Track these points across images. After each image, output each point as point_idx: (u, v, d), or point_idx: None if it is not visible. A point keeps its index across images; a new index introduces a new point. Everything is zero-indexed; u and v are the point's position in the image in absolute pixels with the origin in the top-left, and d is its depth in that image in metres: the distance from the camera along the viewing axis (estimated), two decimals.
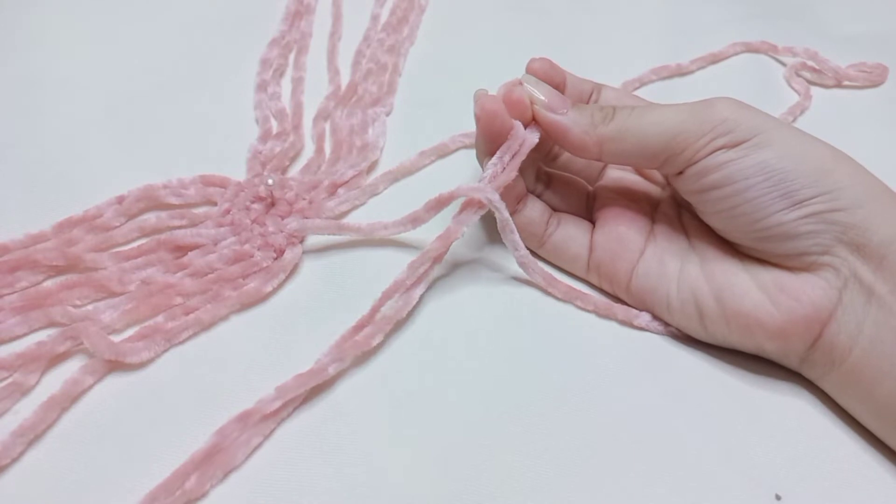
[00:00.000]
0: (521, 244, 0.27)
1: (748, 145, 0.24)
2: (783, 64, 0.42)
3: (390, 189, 0.33)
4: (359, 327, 0.26)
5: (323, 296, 0.28)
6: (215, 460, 0.22)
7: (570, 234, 0.29)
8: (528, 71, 0.29)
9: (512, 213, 0.28)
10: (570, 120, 0.27)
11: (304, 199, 0.31)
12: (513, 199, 0.28)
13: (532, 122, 0.27)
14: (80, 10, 0.40)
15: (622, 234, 0.28)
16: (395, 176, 0.33)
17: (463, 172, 0.34)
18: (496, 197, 0.26)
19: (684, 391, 0.26)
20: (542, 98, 0.27)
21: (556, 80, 0.29)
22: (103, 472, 0.22)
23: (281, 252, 0.29)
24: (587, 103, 0.30)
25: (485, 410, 0.25)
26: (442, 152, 0.34)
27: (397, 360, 0.26)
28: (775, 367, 0.26)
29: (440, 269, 0.29)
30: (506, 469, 0.23)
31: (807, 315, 0.24)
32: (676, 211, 0.29)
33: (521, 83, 0.28)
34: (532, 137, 0.27)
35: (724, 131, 0.24)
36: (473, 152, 0.31)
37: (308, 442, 0.24)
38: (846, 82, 0.41)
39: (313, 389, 0.25)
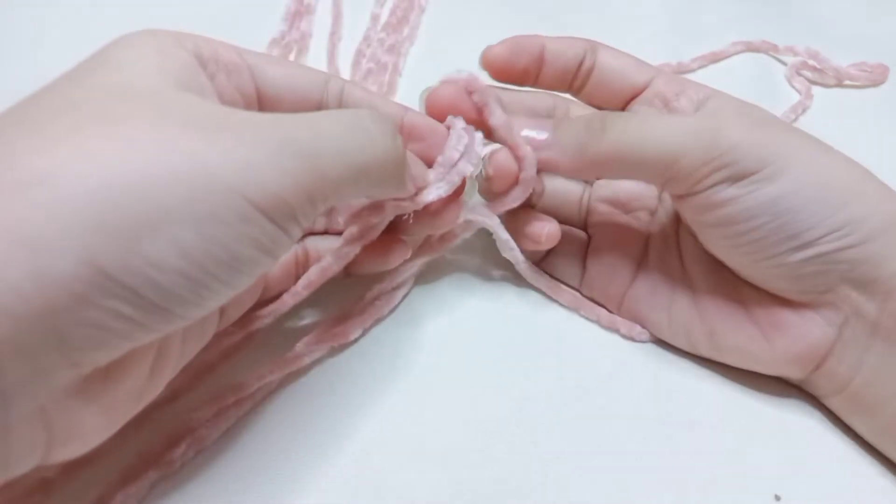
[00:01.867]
0: (521, 257, 0.27)
1: (755, 179, 0.22)
2: (784, 63, 0.42)
3: None
4: (340, 319, 0.26)
5: (323, 295, 0.28)
6: (187, 439, 0.23)
7: (565, 251, 0.28)
8: (485, 64, 0.26)
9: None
10: (557, 151, 0.24)
11: None
12: None
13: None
14: (82, 10, 0.40)
15: (614, 260, 0.28)
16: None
17: None
18: (497, 224, 0.26)
19: (684, 392, 0.26)
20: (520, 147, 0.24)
21: (522, 66, 0.26)
22: (104, 471, 0.22)
23: None
24: (578, 72, 0.26)
25: (485, 412, 0.25)
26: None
27: (398, 362, 0.26)
28: None
29: (441, 273, 0.29)
30: (506, 470, 0.23)
31: (801, 353, 0.24)
32: (675, 225, 0.27)
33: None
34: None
35: (729, 161, 0.22)
36: None
37: (309, 442, 0.24)
38: (847, 81, 0.41)
39: (315, 391, 0.25)
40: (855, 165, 0.23)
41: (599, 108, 0.27)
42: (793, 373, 0.25)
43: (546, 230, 0.26)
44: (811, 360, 0.24)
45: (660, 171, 0.23)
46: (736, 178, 0.22)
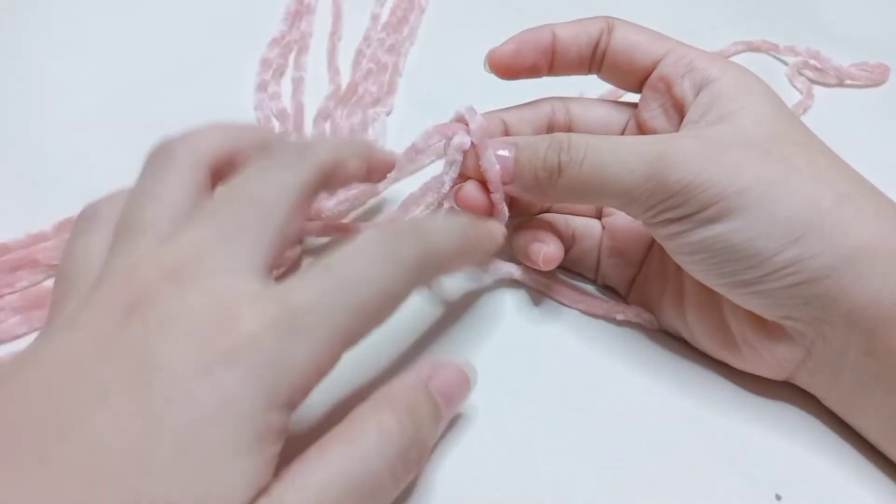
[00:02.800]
0: (515, 271, 0.28)
1: (696, 218, 0.21)
2: (785, 63, 0.42)
3: (390, 189, 0.33)
4: None
5: None
6: None
7: (582, 245, 0.29)
8: (491, 66, 0.26)
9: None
10: (517, 189, 0.24)
11: None
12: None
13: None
14: (81, 9, 0.40)
15: (623, 249, 0.28)
16: (395, 176, 0.33)
17: None
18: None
19: (684, 391, 0.26)
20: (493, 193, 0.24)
21: (530, 62, 0.26)
22: None
23: None
24: (594, 54, 0.26)
25: (484, 411, 0.25)
26: (441, 152, 0.34)
27: (396, 361, 0.26)
28: None
29: None
30: (504, 470, 0.23)
31: (770, 368, 0.24)
32: None
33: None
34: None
35: (675, 204, 0.21)
36: None
37: (307, 439, 0.23)
38: (848, 81, 0.41)
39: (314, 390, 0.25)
40: (825, 189, 0.21)
41: (618, 86, 0.27)
42: (766, 377, 0.25)
43: (543, 252, 0.26)
44: (781, 373, 0.24)
45: (614, 206, 0.24)
46: (679, 218, 0.22)
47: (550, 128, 0.28)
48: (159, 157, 0.20)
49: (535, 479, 0.23)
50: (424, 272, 0.20)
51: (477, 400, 0.25)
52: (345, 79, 0.38)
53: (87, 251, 0.19)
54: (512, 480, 0.23)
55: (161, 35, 0.39)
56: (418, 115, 0.36)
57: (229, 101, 0.36)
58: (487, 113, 0.27)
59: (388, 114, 0.36)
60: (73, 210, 0.30)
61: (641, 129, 0.27)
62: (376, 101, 0.36)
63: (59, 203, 0.30)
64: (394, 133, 0.35)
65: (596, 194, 0.23)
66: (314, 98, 0.36)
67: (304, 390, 0.17)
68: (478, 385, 0.25)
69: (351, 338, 0.18)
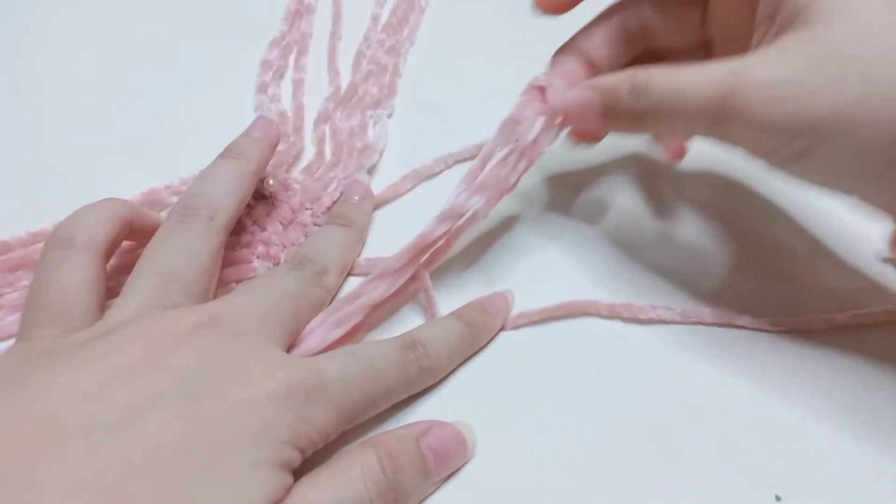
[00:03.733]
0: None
1: (782, 155, 0.21)
2: None
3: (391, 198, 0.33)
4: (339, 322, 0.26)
5: None
6: None
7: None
8: (539, 5, 0.27)
9: None
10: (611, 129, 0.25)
11: (307, 208, 0.31)
12: None
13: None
14: (81, 10, 0.40)
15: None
16: (385, 200, 0.32)
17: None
18: None
19: (684, 391, 0.26)
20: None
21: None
22: None
23: (278, 264, 0.29)
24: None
25: (483, 411, 0.25)
26: (431, 173, 0.33)
27: None
28: (776, 368, 0.26)
29: (444, 278, 0.29)
30: (503, 470, 0.23)
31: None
32: None
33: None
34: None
35: (757, 141, 0.21)
36: (461, 172, 0.29)
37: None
38: None
39: None
40: None
41: None
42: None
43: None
44: None
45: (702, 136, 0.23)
46: (763, 152, 0.21)
47: (628, 40, 0.27)
48: (186, 216, 0.24)
49: (533, 479, 0.23)
50: (421, 381, 0.24)
51: (474, 400, 0.25)
52: (345, 80, 0.38)
53: (70, 281, 0.22)
54: (510, 479, 0.23)
55: (161, 36, 0.39)
56: (419, 117, 0.37)
57: (229, 103, 0.36)
58: (563, 50, 0.28)
59: (389, 116, 0.36)
60: (73, 209, 0.30)
61: (714, 30, 0.26)
62: (377, 103, 0.36)
63: (59, 202, 0.30)
64: (394, 135, 0.35)
65: (680, 131, 0.24)
66: (314, 99, 0.36)
67: (313, 446, 0.21)
68: (477, 386, 0.26)
69: (354, 416, 0.22)
